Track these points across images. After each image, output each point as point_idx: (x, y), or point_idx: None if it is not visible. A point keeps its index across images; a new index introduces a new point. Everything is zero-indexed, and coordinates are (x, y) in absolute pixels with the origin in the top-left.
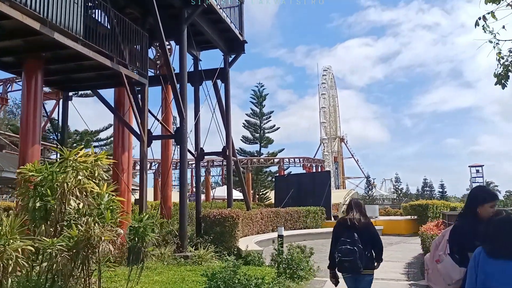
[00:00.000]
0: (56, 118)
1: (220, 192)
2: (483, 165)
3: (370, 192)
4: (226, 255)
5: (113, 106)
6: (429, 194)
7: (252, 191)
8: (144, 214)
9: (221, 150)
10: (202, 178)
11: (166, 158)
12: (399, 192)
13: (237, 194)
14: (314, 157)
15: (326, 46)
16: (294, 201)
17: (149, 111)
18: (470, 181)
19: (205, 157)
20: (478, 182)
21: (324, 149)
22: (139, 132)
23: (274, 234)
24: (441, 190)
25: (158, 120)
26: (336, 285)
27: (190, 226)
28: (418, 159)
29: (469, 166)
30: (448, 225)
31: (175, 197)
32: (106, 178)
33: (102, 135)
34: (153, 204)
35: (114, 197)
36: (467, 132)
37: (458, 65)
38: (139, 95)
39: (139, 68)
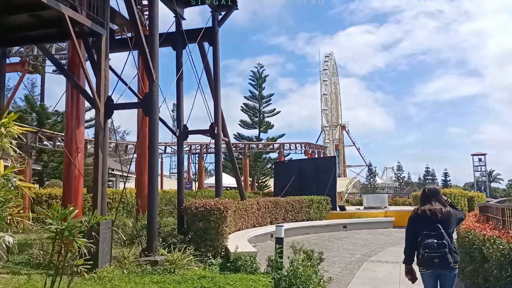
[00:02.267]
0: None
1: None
2: (486, 154)
3: (371, 181)
4: (211, 257)
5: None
6: (431, 182)
7: (250, 179)
8: (92, 214)
9: (208, 128)
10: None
11: (143, 137)
12: (401, 180)
13: (231, 181)
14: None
15: (328, 33)
16: (296, 189)
17: (114, 73)
18: (473, 170)
19: (199, 141)
20: (480, 171)
21: (325, 136)
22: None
23: (273, 228)
24: (444, 178)
25: (123, 82)
26: (414, 282)
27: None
28: (420, 148)
29: (471, 155)
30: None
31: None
32: (13, 153)
33: (87, 115)
34: (131, 191)
35: (17, 181)
36: (470, 120)
37: (461, 53)
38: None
39: (96, 15)
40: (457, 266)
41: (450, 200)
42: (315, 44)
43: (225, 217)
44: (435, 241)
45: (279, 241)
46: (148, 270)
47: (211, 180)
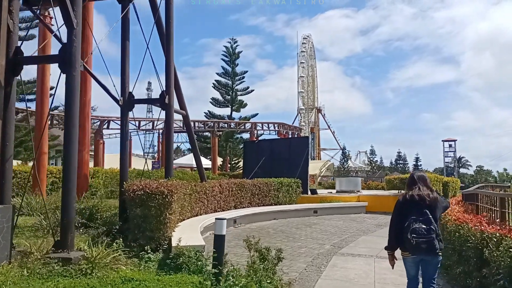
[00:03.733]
0: None
1: (189, 160)
2: (456, 140)
3: (345, 164)
4: (150, 252)
5: None
6: (402, 167)
7: (222, 159)
8: None
9: (158, 97)
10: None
11: (83, 105)
12: (373, 164)
13: (206, 163)
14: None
15: (307, 16)
16: (266, 171)
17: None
18: (443, 155)
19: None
20: (450, 157)
21: (301, 119)
22: None
23: (237, 212)
24: (415, 163)
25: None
26: (393, 267)
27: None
28: (394, 133)
29: (442, 141)
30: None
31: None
32: None
33: None
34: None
35: None
36: (442, 107)
37: (436, 40)
38: None
39: None
40: (441, 253)
41: (435, 189)
42: (294, 26)
43: (169, 203)
44: (423, 226)
45: (219, 239)
46: (56, 270)
47: (182, 160)
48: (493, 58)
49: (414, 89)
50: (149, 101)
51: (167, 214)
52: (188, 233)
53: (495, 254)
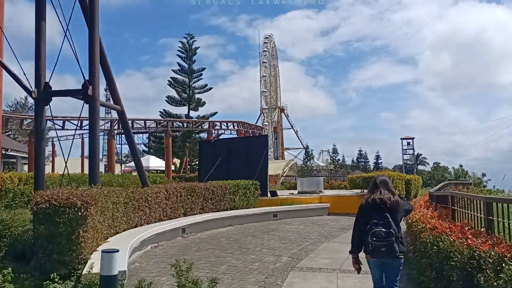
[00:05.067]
0: None
1: (145, 162)
2: (414, 138)
3: (308, 163)
4: (57, 280)
5: None
6: (363, 165)
7: (178, 160)
8: None
9: (80, 88)
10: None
11: None
12: (336, 163)
13: (159, 164)
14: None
15: (269, 16)
16: (223, 172)
17: None
18: (402, 153)
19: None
20: (409, 154)
21: (264, 119)
22: None
23: (186, 220)
24: (375, 161)
25: None
26: (359, 272)
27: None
28: (355, 131)
29: (401, 139)
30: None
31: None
32: None
33: None
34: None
35: None
36: (400, 106)
37: (393, 42)
38: None
39: None
40: (403, 255)
41: (398, 192)
42: (256, 26)
43: (84, 217)
44: (383, 229)
45: (108, 283)
46: None
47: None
48: (450, 58)
49: (373, 89)
50: (69, 92)
51: (81, 232)
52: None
53: (495, 284)
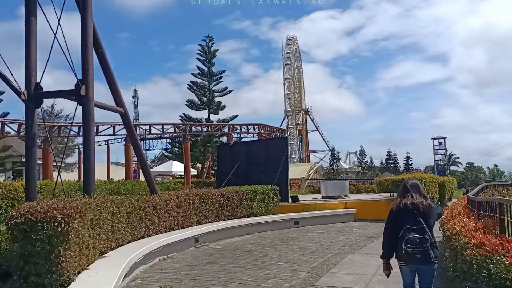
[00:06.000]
0: None
1: (165, 167)
2: (446, 137)
3: (334, 166)
4: None
5: None
6: (393, 166)
7: (199, 165)
8: None
9: (73, 88)
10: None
11: None
12: (364, 165)
13: (182, 169)
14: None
15: (292, 18)
16: (241, 177)
17: None
18: (433, 153)
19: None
20: (440, 154)
21: (288, 121)
22: None
23: (200, 229)
24: (406, 162)
25: None
26: (388, 276)
27: None
28: (383, 133)
29: (432, 139)
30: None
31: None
32: None
33: None
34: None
35: None
36: (430, 105)
37: (421, 39)
38: None
39: None
40: (437, 260)
41: (431, 196)
42: (279, 29)
43: (65, 233)
44: (417, 236)
45: None
46: None
47: (160, 168)
48: (484, 54)
49: (401, 88)
50: (61, 93)
51: (62, 250)
52: (105, 271)
53: None
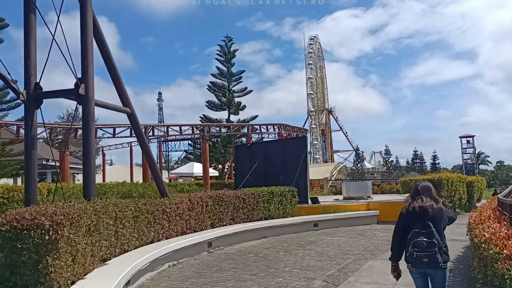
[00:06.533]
0: None
1: (187, 169)
2: (474, 136)
3: (359, 166)
4: None
5: None
6: (419, 166)
7: (220, 166)
8: None
9: (73, 87)
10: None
11: None
12: (389, 165)
13: (200, 171)
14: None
15: (314, 18)
16: (259, 178)
17: None
18: (461, 152)
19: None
20: (469, 153)
21: (311, 121)
22: None
23: (213, 233)
24: (432, 161)
25: None
26: (397, 279)
27: None
28: (408, 131)
29: (459, 137)
30: None
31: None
32: None
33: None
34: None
35: None
36: (457, 103)
37: (447, 36)
38: None
39: None
40: (446, 266)
41: (442, 199)
42: (301, 29)
43: (54, 241)
44: (425, 239)
45: None
46: None
47: (183, 169)
48: None
49: (427, 86)
50: (60, 93)
51: (50, 260)
52: (102, 280)
53: None
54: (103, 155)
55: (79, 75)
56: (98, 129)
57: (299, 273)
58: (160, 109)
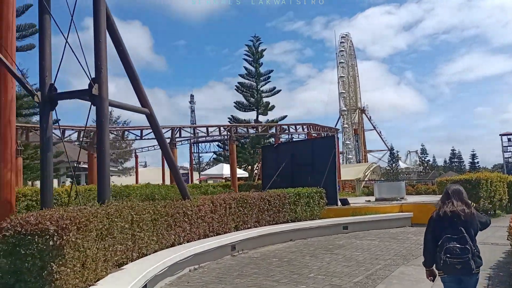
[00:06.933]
0: None
1: (217, 170)
2: None
3: (393, 166)
4: None
5: None
6: (457, 165)
7: (249, 167)
8: None
9: (87, 88)
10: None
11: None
12: (426, 164)
13: (240, 172)
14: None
15: (346, 16)
16: (287, 179)
17: None
18: (502, 151)
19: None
20: (510, 152)
21: (343, 121)
22: None
23: (237, 235)
24: (471, 160)
25: None
26: (433, 281)
27: None
28: (445, 130)
29: (500, 135)
30: None
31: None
32: None
33: None
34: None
35: None
36: (497, 100)
37: (485, 30)
38: None
39: None
40: (479, 270)
41: (474, 204)
42: (332, 28)
43: (59, 247)
44: (458, 245)
45: None
46: None
47: (212, 170)
48: None
49: (465, 82)
50: (75, 94)
51: (55, 267)
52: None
53: None
54: (136, 157)
55: (93, 76)
56: (125, 131)
57: (324, 279)
58: (192, 111)
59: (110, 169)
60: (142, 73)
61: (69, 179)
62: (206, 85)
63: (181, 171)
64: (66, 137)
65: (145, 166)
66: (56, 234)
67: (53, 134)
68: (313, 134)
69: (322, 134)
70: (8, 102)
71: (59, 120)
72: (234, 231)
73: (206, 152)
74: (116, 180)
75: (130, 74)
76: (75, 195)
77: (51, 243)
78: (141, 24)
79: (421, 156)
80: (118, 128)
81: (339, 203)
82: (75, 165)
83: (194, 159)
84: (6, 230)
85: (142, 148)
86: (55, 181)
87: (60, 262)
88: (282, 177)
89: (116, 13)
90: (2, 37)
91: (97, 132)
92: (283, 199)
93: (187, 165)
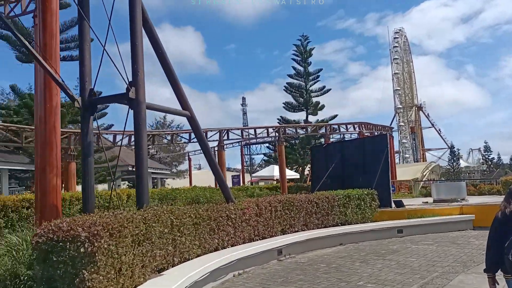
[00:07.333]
0: None
1: (268, 171)
2: None
3: (455, 165)
4: None
5: None
6: None
7: (301, 169)
8: None
9: (125, 92)
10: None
11: (46, 117)
12: (490, 163)
13: (290, 173)
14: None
15: (399, 11)
16: (337, 180)
17: None
18: None
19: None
20: None
21: (399, 119)
22: None
23: (284, 239)
24: None
25: None
26: None
27: None
28: (511, 125)
29: None
30: None
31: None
32: None
33: None
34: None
35: None
36: None
37: None
38: None
39: None
40: None
41: None
42: (385, 24)
43: (91, 254)
44: None
45: None
46: None
47: (264, 172)
48: None
49: None
50: (113, 98)
51: (87, 274)
52: None
53: None
54: (189, 159)
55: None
56: (174, 135)
57: None
58: (244, 113)
59: (164, 172)
60: (195, 77)
61: (126, 182)
62: (257, 87)
63: (233, 173)
64: (118, 141)
65: (199, 168)
66: (87, 241)
67: (104, 139)
68: (366, 134)
69: (376, 133)
70: (53, 108)
71: (112, 125)
72: (280, 235)
73: (257, 154)
74: (171, 183)
75: (170, 77)
76: (117, 199)
77: (82, 250)
78: (194, 29)
79: (484, 154)
80: (168, 132)
81: (393, 205)
82: (128, 168)
83: (246, 161)
84: (39, 237)
85: (195, 151)
86: (106, 185)
87: (92, 269)
88: (332, 178)
89: (170, 20)
90: (46, 45)
91: (135, 136)
92: (332, 201)
93: (239, 166)
